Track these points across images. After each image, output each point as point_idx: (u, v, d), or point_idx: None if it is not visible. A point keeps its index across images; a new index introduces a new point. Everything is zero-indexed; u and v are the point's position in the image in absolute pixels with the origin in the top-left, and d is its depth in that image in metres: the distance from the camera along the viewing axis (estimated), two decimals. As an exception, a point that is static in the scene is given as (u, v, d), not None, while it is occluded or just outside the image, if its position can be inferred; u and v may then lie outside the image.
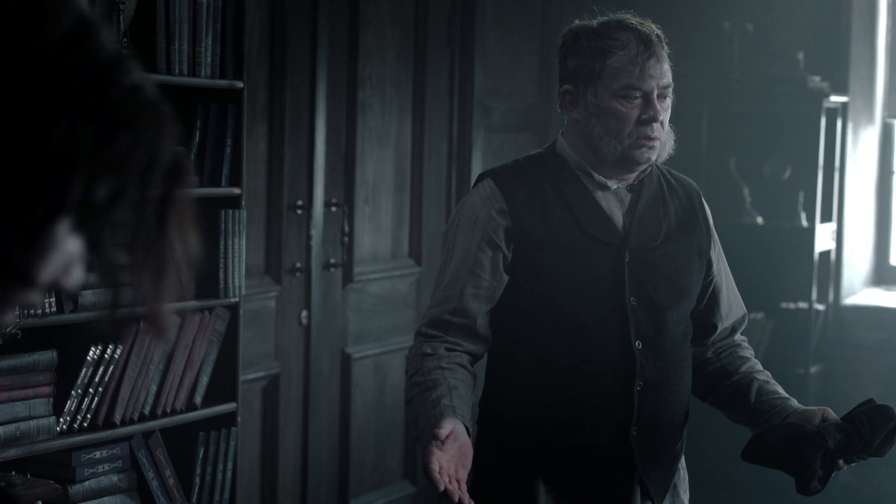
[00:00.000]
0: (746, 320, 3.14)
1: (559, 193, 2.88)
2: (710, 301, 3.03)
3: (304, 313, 5.08)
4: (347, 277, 5.31)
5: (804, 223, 6.15)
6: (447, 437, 2.56)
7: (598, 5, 2.99)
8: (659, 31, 2.86)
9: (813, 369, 6.12)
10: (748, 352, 3.09)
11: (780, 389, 3.00)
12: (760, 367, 3.06)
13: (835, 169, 6.27)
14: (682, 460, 3.03)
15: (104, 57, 1.15)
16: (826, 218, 6.25)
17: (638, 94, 2.81)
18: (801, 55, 6.11)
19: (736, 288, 3.11)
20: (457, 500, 2.51)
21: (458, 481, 2.52)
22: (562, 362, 2.82)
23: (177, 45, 3.96)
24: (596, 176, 2.89)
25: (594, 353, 2.82)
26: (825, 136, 6.11)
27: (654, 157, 2.86)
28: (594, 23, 2.87)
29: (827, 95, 6.06)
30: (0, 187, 1.11)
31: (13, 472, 3.56)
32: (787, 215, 6.21)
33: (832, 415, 2.82)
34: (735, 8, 6.28)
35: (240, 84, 4.13)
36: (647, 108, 2.82)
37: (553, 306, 2.82)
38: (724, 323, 3.06)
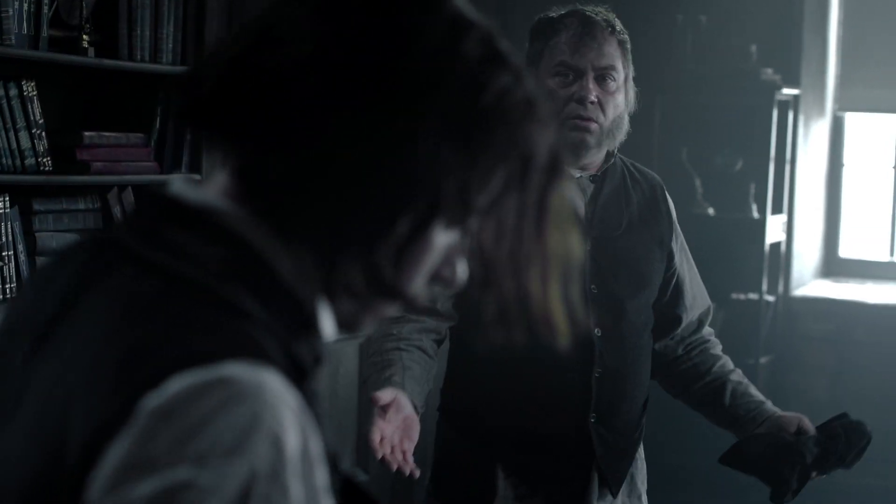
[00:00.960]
0: (712, 312, 3.14)
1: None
2: (673, 292, 3.04)
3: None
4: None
5: (755, 215, 6.17)
6: (389, 405, 2.56)
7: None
8: (610, 18, 2.84)
9: (762, 360, 6.15)
10: (718, 348, 3.09)
11: (754, 390, 3.01)
12: (732, 366, 3.06)
13: (786, 161, 6.30)
14: (641, 451, 3.04)
15: (479, 57, 1.10)
16: (777, 210, 6.28)
17: (571, 72, 2.80)
18: (753, 48, 6.13)
19: (700, 280, 3.11)
20: (395, 469, 2.50)
21: (403, 452, 2.51)
22: (520, 348, 2.81)
23: (139, 32, 3.96)
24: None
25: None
26: (777, 128, 6.13)
27: (591, 141, 2.82)
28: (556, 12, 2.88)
29: (779, 88, 6.08)
30: (366, 200, 1.05)
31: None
32: (738, 207, 6.24)
33: (808, 424, 2.86)
34: (689, 0, 6.30)
35: (201, 71, 4.10)
36: (580, 88, 2.79)
37: (513, 292, 2.81)
38: (689, 315, 3.06)
